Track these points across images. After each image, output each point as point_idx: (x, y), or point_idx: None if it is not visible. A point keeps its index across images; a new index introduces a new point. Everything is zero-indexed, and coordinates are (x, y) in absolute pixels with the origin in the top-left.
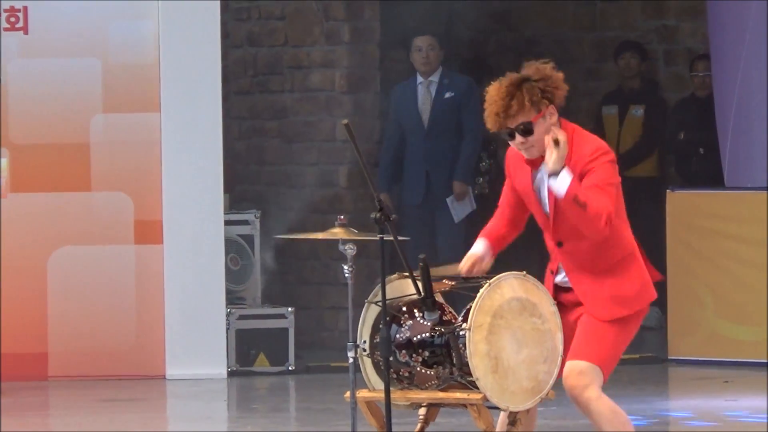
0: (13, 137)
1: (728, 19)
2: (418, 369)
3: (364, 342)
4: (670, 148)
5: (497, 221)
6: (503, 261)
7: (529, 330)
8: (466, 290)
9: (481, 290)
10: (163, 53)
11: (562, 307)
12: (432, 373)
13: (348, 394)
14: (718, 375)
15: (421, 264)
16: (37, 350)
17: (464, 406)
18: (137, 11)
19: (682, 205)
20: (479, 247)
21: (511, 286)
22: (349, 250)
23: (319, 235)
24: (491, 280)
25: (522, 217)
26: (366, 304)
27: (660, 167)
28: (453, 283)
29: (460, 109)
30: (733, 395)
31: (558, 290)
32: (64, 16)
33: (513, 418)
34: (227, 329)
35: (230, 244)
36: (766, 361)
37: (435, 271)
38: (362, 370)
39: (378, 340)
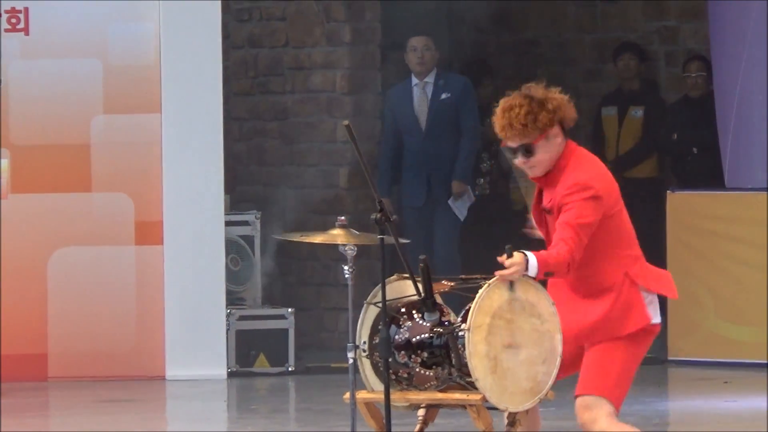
0: (13, 138)
1: (729, 19)
2: (417, 370)
3: (364, 343)
4: (664, 149)
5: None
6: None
7: (528, 330)
8: (465, 291)
9: (480, 290)
10: (164, 54)
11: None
12: (431, 374)
13: (347, 395)
14: (717, 376)
15: (421, 265)
16: (37, 351)
17: (463, 406)
18: (138, 12)
19: (682, 206)
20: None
21: (509, 286)
22: (350, 251)
23: (318, 238)
24: (490, 281)
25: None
26: (365, 305)
27: (660, 168)
28: (452, 283)
29: (458, 110)
30: (733, 396)
31: None
32: (65, 18)
33: (512, 419)
34: (227, 330)
35: (230, 245)
36: (766, 361)
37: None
38: (361, 371)
39: (377, 341)
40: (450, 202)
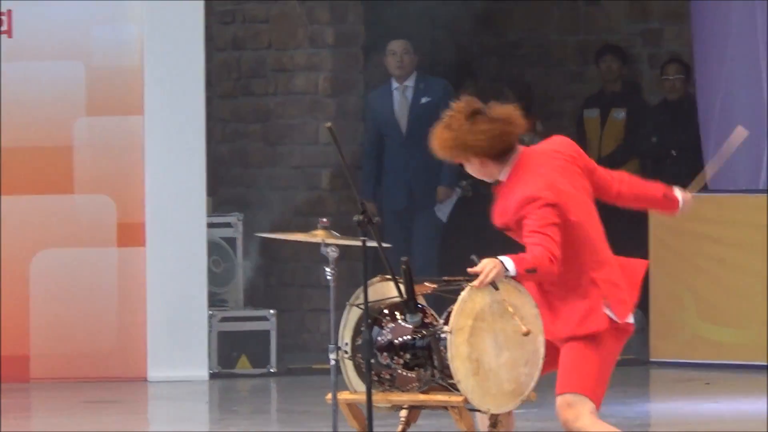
0: None
1: (712, 21)
2: (400, 371)
3: (346, 344)
4: (644, 152)
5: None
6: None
7: (511, 333)
8: (447, 293)
9: (463, 293)
10: (147, 56)
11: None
12: (413, 375)
13: (329, 396)
14: (699, 377)
15: (403, 267)
16: (19, 352)
17: (445, 408)
18: (121, 15)
19: None
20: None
21: (492, 289)
22: (332, 252)
23: (300, 236)
24: (472, 283)
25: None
26: (347, 307)
27: (642, 170)
28: (435, 285)
29: (439, 113)
30: (715, 397)
31: None
32: (48, 20)
33: (494, 421)
34: (209, 331)
35: (213, 247)
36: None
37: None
38: (344, 372)
39: (360, 342)
40: (436, 209)
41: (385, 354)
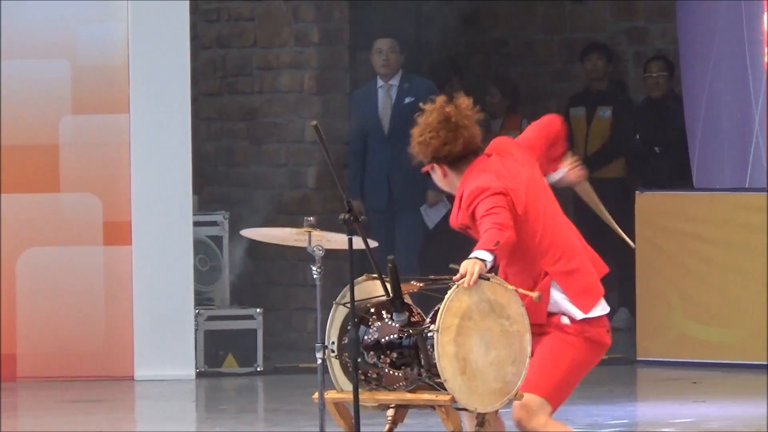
0: None
1: (698, 20)
2: (386, 370)
3: (333, 343)
4: (627, 150)
5: None
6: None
7: (498, 331)
8: (434, 291)
9: (449, 291)
10: (133, 55)
11: None
12: (400, 374)
13: (316, 395)
14: (686, 376)
15: (390, 266)
16: (6, 351)
17: (432, 407)
18: (106, 13)
19: (651, 207)
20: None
21: (479, 287)
22: (318, 251)
23: (286, 232)
24: (459, 282)
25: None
26: (334, 306)
27: (628, 169)
28: (421, 284)
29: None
30: (702, 396)
31: None
32: (33, 18)
33: (481, 420)
34: (196, 330)
35: (199, 245)
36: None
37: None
38: (330, 371)
39: (346, 341)
40: (422, 209)
41: (371, 353)
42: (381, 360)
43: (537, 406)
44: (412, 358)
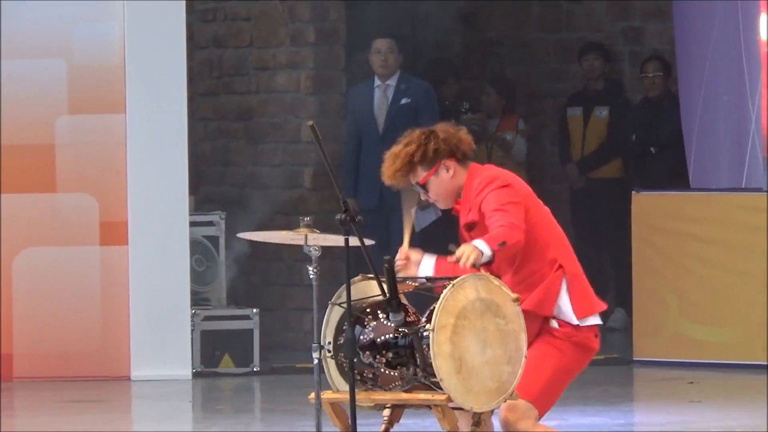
0: None
1: (694, 20)
2: (382, 370)
3: (329, 343)
4: (624, 150)
5: None
6: None
7: (493, 331)
8: (429, 291)
9: (445, 291)
10: (129, 54)
11: None
12: (396, 374)
13: (313, 395)
14: (682, 376)
15: (386, 265)
16: (3, 351)
17: (428, 407)
18: (102, 12)
19: (647, 207)
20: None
21: (474, 286)
22: (314, 251)
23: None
24: (455, 281)
25: None
26: (330, 306)
27: (625, 169)
28: (417, 284)
29: (417, 116)
30: (698, 396)
31: None
32: (30, 17)
33: (477, 419)
34: (192, 330)
35: (195, 246)
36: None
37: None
38: (326, 371)
39: (342, 341)
40: (413, 210)
41: (367, 353)
42: (377, 360)
43: (523, 408)
44: (408, 358)
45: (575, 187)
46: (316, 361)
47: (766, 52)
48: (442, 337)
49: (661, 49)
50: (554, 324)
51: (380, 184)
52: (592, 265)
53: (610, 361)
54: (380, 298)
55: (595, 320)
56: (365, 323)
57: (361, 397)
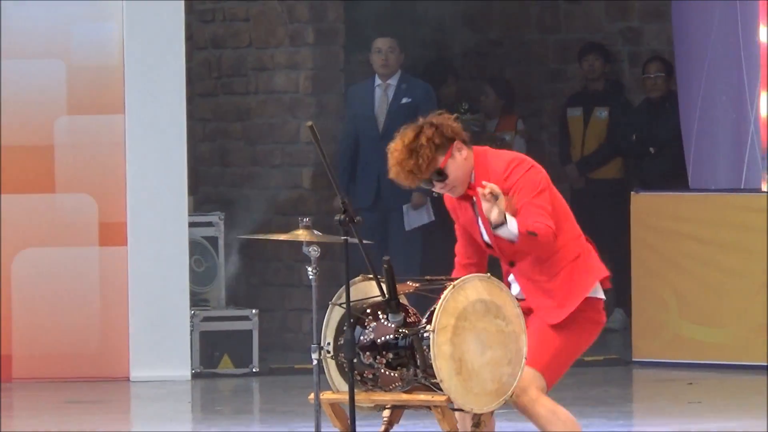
0: None
1: (693, 20)
2: (382, 371)
3: (328, 344)
4: (624, 150)
5: (463, 257)
6: None
7: (494, 332)
8: (430, 292)
9: (445, 292)
10: (128, 55)
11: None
12: (396, 374)
13: (312, 395)
14: (681, 377)
15: (385, 266)
16: (3, 352)
17: (428, 408)
18: (101, 13)
19: (646, 207)
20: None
21: (475, 287)
22: (313, 252)
23: (281, 236)
24: (455, 282)
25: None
26: (330, 306)
27: (625, 169)
28: (417, 285)
29: (417, 116)
30: (697, 397)
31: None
32: (28, 18)
33: (477, 420)
34: (191, 331)
35: (194, 246)
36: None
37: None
38: (326, 371)
39: (342, 342)
40: (404, 207)
41: (367, 353)
42: (377, 360)
43: (530, 378)
44: (408, 359)
45: (575, 188)
46: (315, 362)
47: (766, 53)
48: (442, 338)
49: (659, 49)
50: None
51: (378, 182)
52: None
53: (610, 362)
54: (380, 298)
55: (600, 294)
56: (365, 324)
57: (361, 397)
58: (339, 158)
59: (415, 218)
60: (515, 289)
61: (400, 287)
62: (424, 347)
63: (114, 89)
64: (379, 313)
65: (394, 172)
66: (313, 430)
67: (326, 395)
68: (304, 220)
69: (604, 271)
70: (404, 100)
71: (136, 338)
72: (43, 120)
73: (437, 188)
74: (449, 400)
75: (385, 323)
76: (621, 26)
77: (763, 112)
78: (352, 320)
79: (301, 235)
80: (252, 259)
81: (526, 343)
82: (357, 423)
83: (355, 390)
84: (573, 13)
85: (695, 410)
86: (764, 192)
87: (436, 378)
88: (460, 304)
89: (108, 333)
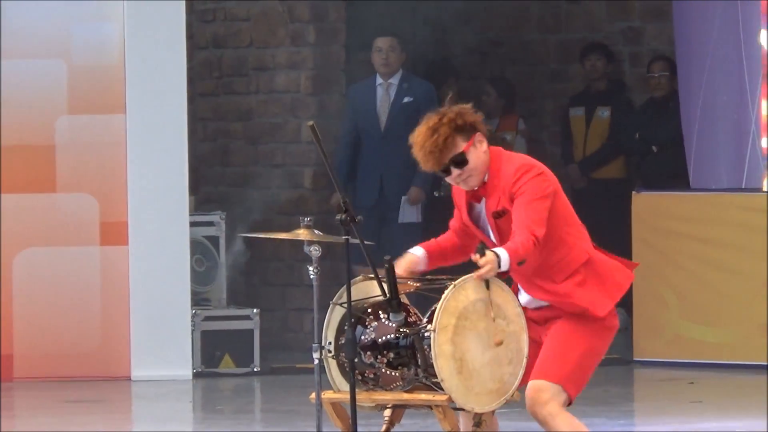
0: None
1: (694, 20)
2: (383, 370)
3: (329, 343)
4: (628, 149)
5: (445, 240)
6: (467, 263)
7: (495, 331)
8: (431, 291)
9: (446, 291)
10: (129, 55)
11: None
12: (397, 374)
13: (313, 395)
14: (683, 376)
15: (386, 265)
16: (3, 352)
17: (429, 407)
18: (102, 13)
19: (647, 207)
20: (418, 251)
21: (476, 287)
22: (314, 251)
23: (282, 235)
24: (456, 282)
25: (469, 243)
26: (331, 306)
27: (627, 169)
28: (418, 284)
29: (419, 115)
30: (698, 396)
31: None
32: (29, 18)
33: (478, 420)
34: (192, 330)
35: (195, 246)
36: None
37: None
38: (327, 371)
39: (343, 341)
40: (403, 199)
41: (368, 353)
42: (378, 360)
43: (551, 391)
44: (409, 358)
45: (577, 188)
46: (316, 362)
47: (767, 53)
48: (443, 338)
49: (660, 49)
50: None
51: (380, 182)
52: None
53: (611, 362)
54: (381, 298)
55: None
56: (366, 323)
57: (362, 397)
58: (335, 158)
59: (408, 214)
60: (524, 298)
61: (400, 287)
62: (425, 347)
63: (115, 89)
64: (380, 312)
65: (415, 153)
66: (315, 429)
67: (327, 395)
68: (306, 219)
69: (630, 265)
70: (406, 100)
71: (137, 338)
72: (44, 120)
73: (453, 176)
74: (450, 400)
75: (386, 323)
76: (622, 26)
77: (764, 112)
78: (353, 320)
79: (302, 234)
80: (253, 259)
81: (527, 343)
82: (358, 422)
83: (357, 389)
84: (574, 13)
85: (696, 410)
86: (765, 192)
87: (437, 377)
88: (461, 304)
89: (109, 332)
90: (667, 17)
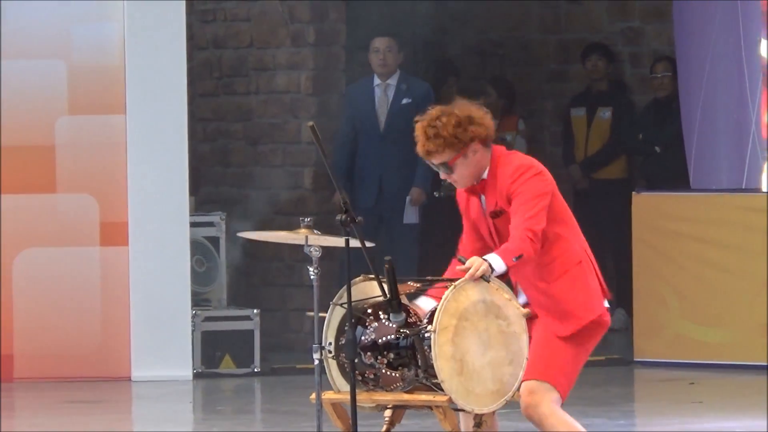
0: None
1: (694, 20)
2: (384, 371)
3: (330, 344)
4: (631, 150)
5: (469, 244)
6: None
7: (495, 332)
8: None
9: (447, 292)
10: (129, 55)
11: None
12: (397, 375)
13: (314, 395)
14: (683, 377)
15: (386, 266)
16: (3, 352)
17: (430, 408)
18: (102, 13)
19: (648, 207)
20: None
21: (476, 288)
22: (314, 252)
23: (283, 234)
24: (457, 283)
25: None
26: (331, 306)
27: (628, 169)
28: (418, 285)
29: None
30: (699, 397)
31: None
32: (29, 18)
33: (478, 420)
34: (193, 331)
35: (195, 246)
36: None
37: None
38: (328, 371)
39: (343, 342)
40: (408, 199)
41: (369, 353)
42: (378, 361)
43: (542, 390)
44: (410, 359)
45: (578, 188)
46: (316, 362)
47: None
48: (443, 339)
49: (660, 49)
50: None
51: (380, 182)
52: None
53: (611, 362)
54: (382, 298)
55: (605, 302)
56: (367, 324)
57: (363, 397)
58: (333, 156)
59: (410, 215)
60: (521, 297)
61: (401, 287)
62: (425, 347)
63: (115, 89)
64: (380, 313)
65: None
66: (315, 430)
67: (328, 395)
68: (306, 220)
69: (606, 294)
70: (404, 101)
71: (137, 338)
72: (44, 120)
73: (442, 175)
74: (450, 401)
75: (387, 323)
76: (622, 26)
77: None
78: (353, 320)
79: (302, 234)
80: (253, 259)
81: (527, 343)
82: (358, 423)
83: (357, 390)
84: (574, 13)
85: (696, 410)
86: (765, 192)
87: (437, 378)
88: (462, 305)
89: (109, 333)
90: (667, 17)
